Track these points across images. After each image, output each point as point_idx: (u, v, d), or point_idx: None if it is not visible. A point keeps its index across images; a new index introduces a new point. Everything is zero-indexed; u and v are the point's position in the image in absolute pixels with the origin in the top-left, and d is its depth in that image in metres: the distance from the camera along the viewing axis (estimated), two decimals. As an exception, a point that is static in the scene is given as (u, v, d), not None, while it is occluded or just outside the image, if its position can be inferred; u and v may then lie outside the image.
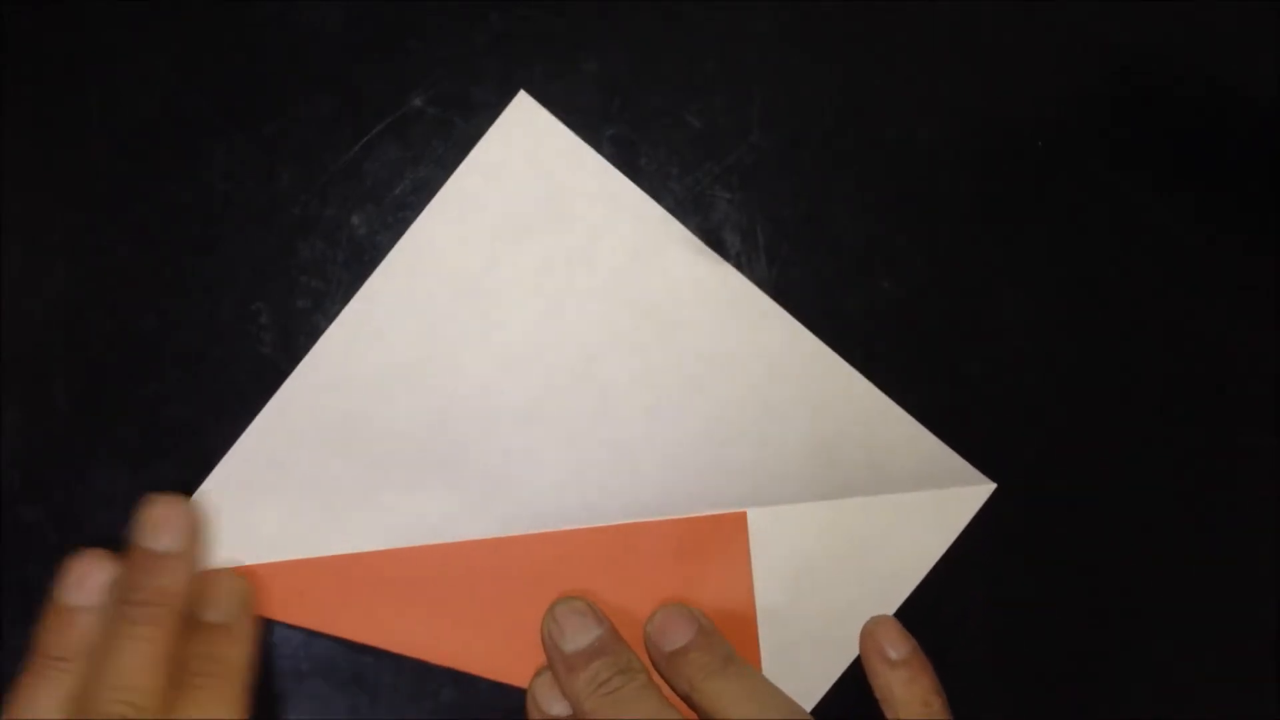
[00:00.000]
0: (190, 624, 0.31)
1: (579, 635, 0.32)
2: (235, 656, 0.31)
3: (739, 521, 0.35)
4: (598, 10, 0.34)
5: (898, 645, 0.33)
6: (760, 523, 0.34)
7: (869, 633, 0.34)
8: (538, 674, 0.33)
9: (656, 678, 0.32)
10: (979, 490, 0.35)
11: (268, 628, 0.33)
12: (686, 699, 0.32)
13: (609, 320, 0.34)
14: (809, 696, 0.34)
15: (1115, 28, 0.36)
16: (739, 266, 0.34)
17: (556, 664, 0.32)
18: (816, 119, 0.35)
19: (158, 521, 0.31)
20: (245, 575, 0.32)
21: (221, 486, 0.33)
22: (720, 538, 0.34)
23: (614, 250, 0.34)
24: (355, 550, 0.33)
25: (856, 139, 0.35)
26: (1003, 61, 0.36)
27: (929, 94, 0.35)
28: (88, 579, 0.31)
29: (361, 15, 0.34)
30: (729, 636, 0.33)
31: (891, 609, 0.35)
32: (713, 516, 0.34)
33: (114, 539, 0.33)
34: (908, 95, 0.35)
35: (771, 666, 0.34)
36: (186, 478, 0.33)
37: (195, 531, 0.32)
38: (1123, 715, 0.36)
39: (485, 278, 0.33)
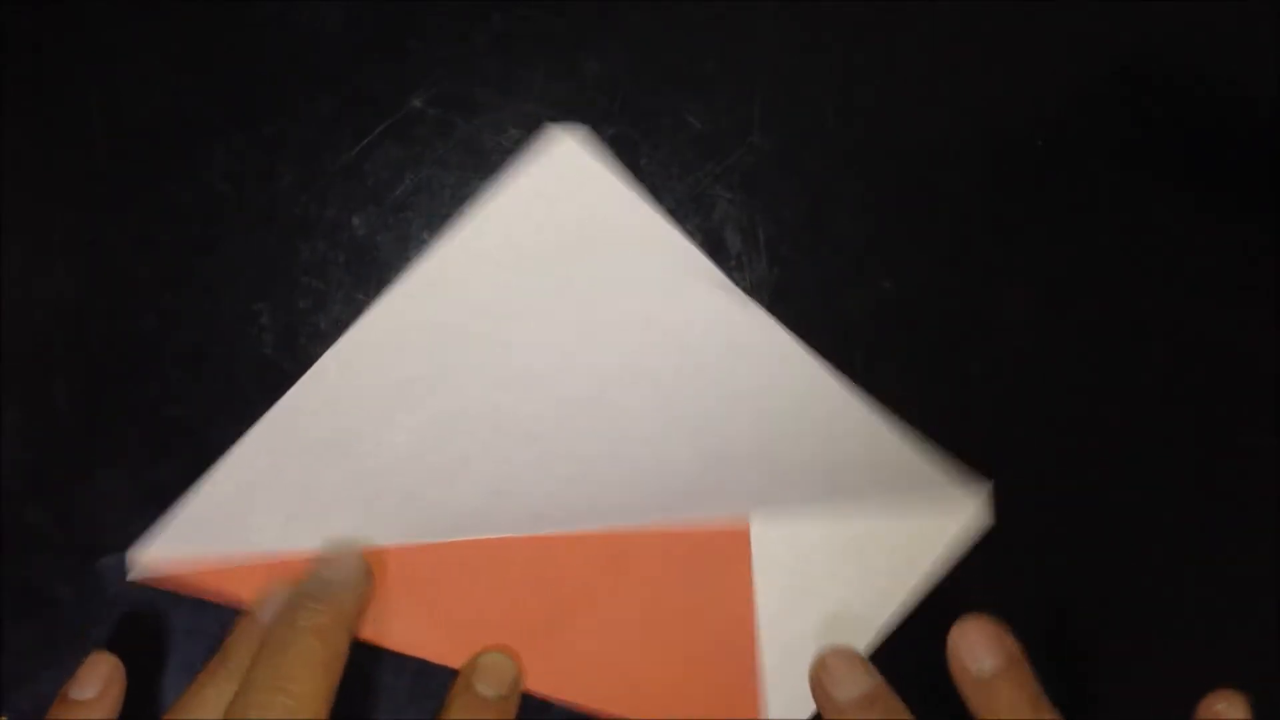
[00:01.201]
0: (462, 697, 0.32)
1: (852, 683, 0.31)
2: None
3: (741, 530, 0.34)
4: (598, 10, 0.34)
5: (993, 654, 0.31)
6: (762, 531, 0.34)
7: (960, 634, 0.31)
8: None
9: None
10: (976, 491, 0.35)
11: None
12: None
13: (627, 350, 0.34)
14: (810, 707, 0.34)
15: (1115, 28, 0.36)
16: (739, 266, 0.34)
17: (827, 711, 0.31)
18: (816, 119, 0.35)
19: (329, 559, 0.32)
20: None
21: (222, 484, 0.33)
22: (723, 547, 0.34)
23: (641, 285, 0.34)
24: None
25: (856, 139, 0.35)
26: (1003, 61, 0.36)
27: (929, 94, 0.35)
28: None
29: (361, 15, 0.34)
30: (730, 645, 0.33)
31: (890, 610, 0.35)
32: (716, 525, 0.34)
33: (114, 539, 0.33)
34: (908, 95, 0.35)
35: (773, 675, 0.34)
36: (187, 478, 0.33)
37: (366, 573, 0.32)
38: (1123, 715, 0.36)
39: (502, 305, 0.33)
